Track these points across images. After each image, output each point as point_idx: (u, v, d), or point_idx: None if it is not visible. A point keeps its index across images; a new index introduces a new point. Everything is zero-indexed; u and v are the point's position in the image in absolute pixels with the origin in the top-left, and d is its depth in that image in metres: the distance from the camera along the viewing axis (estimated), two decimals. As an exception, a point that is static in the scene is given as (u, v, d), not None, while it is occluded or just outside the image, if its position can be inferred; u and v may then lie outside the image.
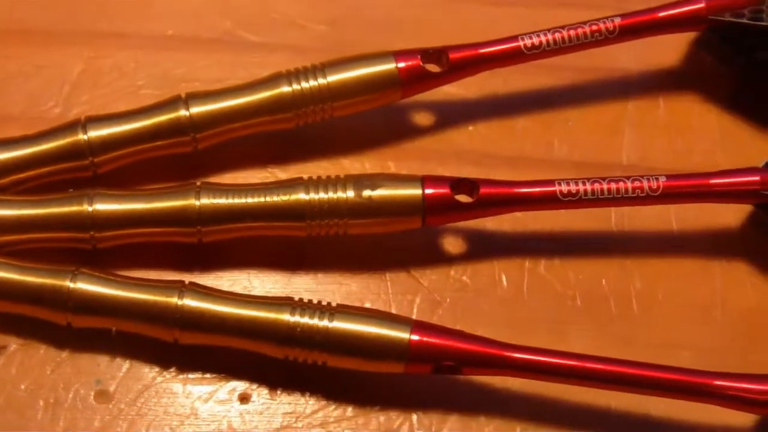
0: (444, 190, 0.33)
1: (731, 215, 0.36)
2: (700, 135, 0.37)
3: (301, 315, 0.31)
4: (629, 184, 0.33)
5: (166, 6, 0.38)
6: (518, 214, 0.35)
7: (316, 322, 0.31)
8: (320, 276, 0.34)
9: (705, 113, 0.38)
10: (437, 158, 0.36)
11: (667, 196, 0.34)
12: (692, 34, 0.38)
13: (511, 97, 0.37)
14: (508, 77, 0.37)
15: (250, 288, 0.34)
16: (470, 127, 0.37)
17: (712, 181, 0.34)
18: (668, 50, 0.38)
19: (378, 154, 0.36)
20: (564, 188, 0.33)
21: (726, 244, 0.36)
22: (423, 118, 0.37)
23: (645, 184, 0.34)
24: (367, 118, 0.35)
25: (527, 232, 0.35)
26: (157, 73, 0.37)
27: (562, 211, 0.35)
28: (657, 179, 0.34)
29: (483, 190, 0.33)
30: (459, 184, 0.33)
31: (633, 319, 0.34)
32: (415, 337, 0.31)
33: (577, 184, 0.33)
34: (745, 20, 0.36)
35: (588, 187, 0.33)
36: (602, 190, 0.33)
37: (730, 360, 0.33)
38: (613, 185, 0.33)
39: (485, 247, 0.35)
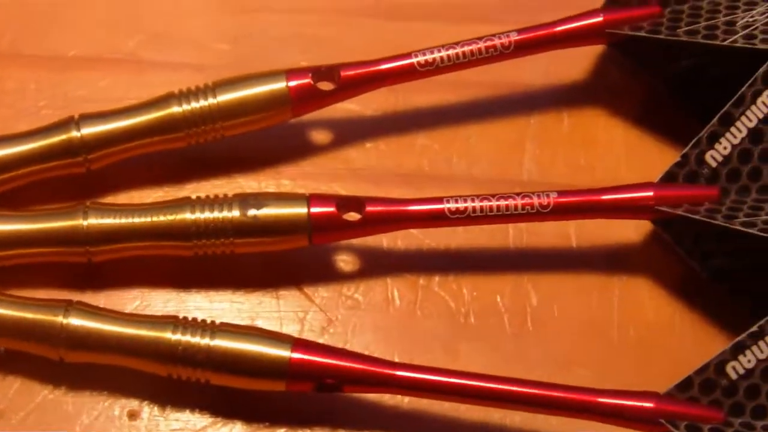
0: (330, 209, 0.33)
1: (632, 231, 0.36)
2: (605, 150, 0.37)
3: (183, 333, 0.31)
4: (519, 201, 0.33)
5: (69, 27, 0.38)
6: (413, 230, 0.35)
7: (198, 340, 0.31)
8: (212, 294, 0.34)
9: (611, 128, 0.37)
10: (334, 176, 0.36)
11: (558, 213, 0.34)
12: (599, 48, 0.38)
13: (411, 113, 0.37)
14: (409, 93, 0.37)
15: (142, 307, 0.34)
16: (368, 144, 0.37)
17: (605, 197, 0.34)
18: (574, 64, 0.38)
19: (275, 172, 0.36)
20: (452, 206, 0.33)
21: (626, 260, 0.36)
22: (321, 136, 0.37)
23: (535, 200, 0.33)
24: (266, 136, 0.35)
25: (422, 248, 0.35)
26: (59, 94, 0.37)
27: (460, 227, 0.35)
28: (548, 195, 0.33)
29: (369, 209, 0.33)
30: (345, 203, 0.33)
31: (527, 336, 0.34)
32: (295, 356, 0.31)
33: (465, 201, 0.33)
34: (643, 33, 0.35)
35: (477, 204, 0.33)
36: (491, 208, 0.33)
37: (627, 377, 0.33)
38: (503, 202, 0.33)
39: (378, 264, 0.35)
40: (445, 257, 0.35)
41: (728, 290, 0.35)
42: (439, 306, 0.34)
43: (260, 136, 0.35)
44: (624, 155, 0.37)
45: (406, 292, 0.34)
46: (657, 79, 0.38)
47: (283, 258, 0.34)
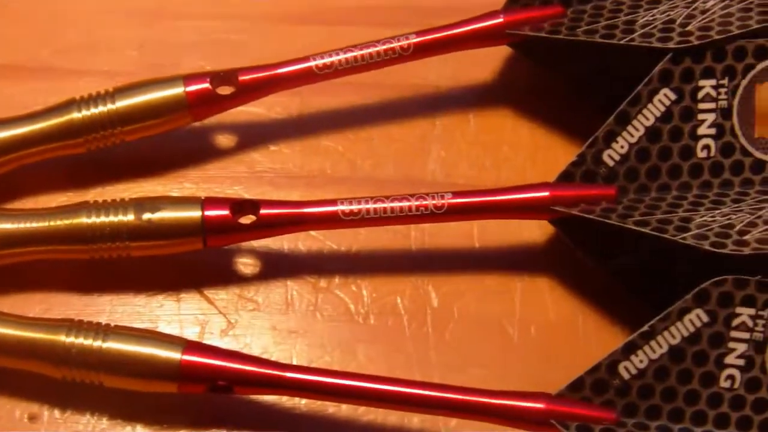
0: (224, 212, 0.33)
1: (536, 230, 0.36)
2: (512, 151, 0.37)
3: (77, 336, 0.32)
4: (413, 203, 0.33)
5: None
6: (314, 232, 0.36)
7: (90, 343, 0.32)
8: (114, 298, 0.34)
9: (518, 128, 0.38)
10: (237, 179, 0.36)
11: (454, 213, 0.34)
12: (507, 49, 0.38)
13: (315, 116, 0.37)
14: (313, 96, 0.37)
15: (45, 311, 0.34)
16: (272, 147, 0.37)
17: (501, 198, 0.34)
18: (482, 65, 0.38)
19: (179, 176, 0.36)
20: (346, 208, 0.33)
21: (528, 260, 0.36)
22: (226, 139, 0.37)
23: (429, 202, 0.33)
24: (171, 140, 0.36)
25: (323, 250, 0.35)
26: (-28, 103, 0.39)
27: (362, 229, 0.36)
28: (443, 197, 0.34)
29: (264, 211, 0.33)
30: (240, 206, 0.33)
31: (427, 338, 0.34)
32: (186, 358, 0.31)
33: (359, 203, 0.33)
34: (543, 34, 0.35)
35: (371, 206, 0.33)
36: (385, 209, 0.33)
37: (528, 377, 0.33)
38: (396, 204, 0.33)
39: (279, 267, 0.35)
40: (346, 259, 0.35)
41: (627, 290, 0.35)
42: (338, 308, 0.34)
43: (165, 141, 0.36)
44: (530, 156, 0.37)
45: (306, 294, 0.34)
46: (563, 79, 0.38)
47: (184, 261, 0.34)
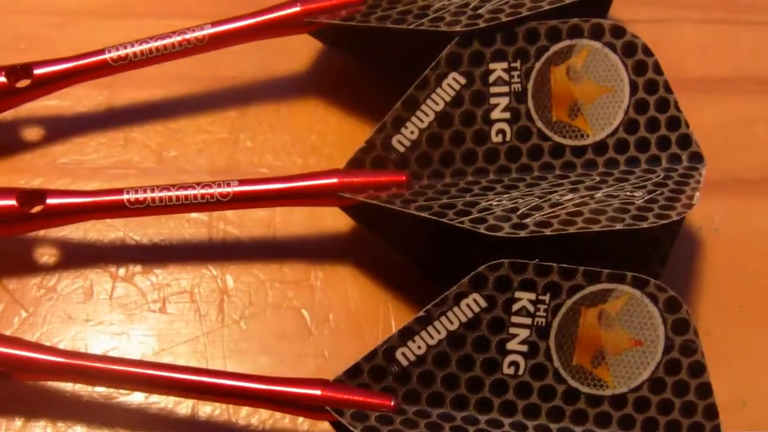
0: (11, 202, 0.33)
1: (339, 219, 0.35)
2: (320, 139, 0.37)
3: None
4: (198, 191, 0.33)
5: None
6: (114, 221, 0.36)
7: None
8: None
9: (327, 117, 0.37)
10: (40, 171, 0.36)
11: (241, 201, 0.33)
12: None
13: (123, 109, 0.37)
14: (123, 88, 0.37)
15: None
16: (76, 140, 0.37)
17: (289, 185, 0.33)
18: (291, 54, 0.38)
19: (-16, 169, 0.38)
20: (131, 196, 0.33)
21: (331, 249, 0.35)
22: (32, 132, 0.37)
23: (215, 190, 0.33)
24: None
25: (124, 240, 0.35)
26: None
27: (163, 217, 0.35)
28: (229, 184, 0.33)
29: (50, 201, 0.33)
30: (27, 195, 0.33)
31: (221, 325, 0.34)
32: (-37, 346, 0.33)
33: (145, 191, 0.33)
34: (337, 21, 0.35)
35: (156, 195, 0.33)
36: (170, 198, 0.33)
37: (322, 366, 0.33)
38: (182, 192, 0.33)
39: (79, 256, 0.35)
40: (146, 249, 0.35)
41: (426, 275, 0.35)
42: (135, 297, 0.34)
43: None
44: (338, 144, 0.37)
45: (104, 284, 0.35)
46: (371, 66, 0.38)
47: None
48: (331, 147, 0.37)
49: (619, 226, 0.31)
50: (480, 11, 0.34)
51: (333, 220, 0.35)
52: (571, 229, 0.31)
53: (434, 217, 0.32)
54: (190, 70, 0.36)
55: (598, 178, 0.34)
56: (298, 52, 0.38)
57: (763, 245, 0.37)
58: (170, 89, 0.37)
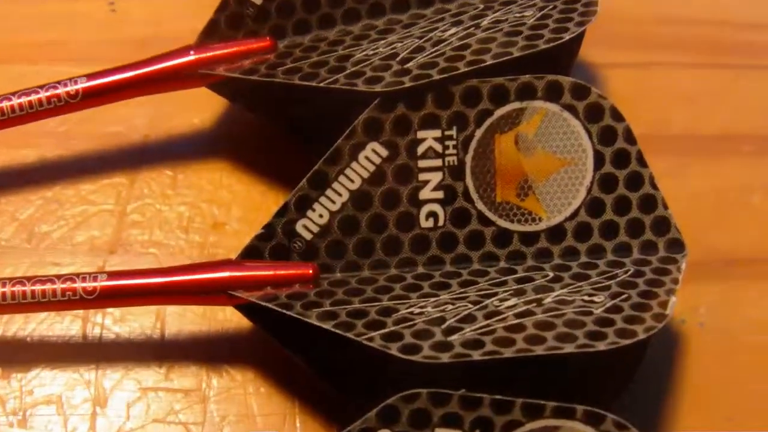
0: None
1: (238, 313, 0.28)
2: (225, 213, 0.31)
3: None
4: (58, 286, 0.26)
5: None
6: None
7: None
8: None
9: (233, 184, 0.31)
10: None
11: (109, 298, 0.26)
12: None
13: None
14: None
15: None
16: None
17: (170, 279, 0.26)
18: (193, 109, 0.32)
19: None
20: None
21: (226, 349, 0.28)
22: None
23: (78, 285, 0.26)
24: None
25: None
26: None
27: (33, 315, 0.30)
28: (95, 278, 0.26)
29: None
30: None
31: None
32: None
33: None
34: (236, 75, 0.29)
35: (8, 289, 0.26)
36: (24, 293, 0.26)
37: None
38: (38, 287, 0.26)
39: None
40: (4, 347, 0.28)
41: (335, 389, 0.28)
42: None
43: None
44: (247, 218, 0.30)
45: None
46: (284, 126, 0.31)
47: None
48: (238, 222, 0.30)
49: (568, 349, 0.24)
50: (408, 65, 0.28)
51: (231, 313, 0.29)
52: (507, 353, 0.24)
53: (339, 331, 0.25)
54: (71, 125, 0.31)
55: (551, 274, 0.28)
56: (200, 105, 0.32)
57: (756, 342, 0.31)
58: (46, 149, 0.32)
